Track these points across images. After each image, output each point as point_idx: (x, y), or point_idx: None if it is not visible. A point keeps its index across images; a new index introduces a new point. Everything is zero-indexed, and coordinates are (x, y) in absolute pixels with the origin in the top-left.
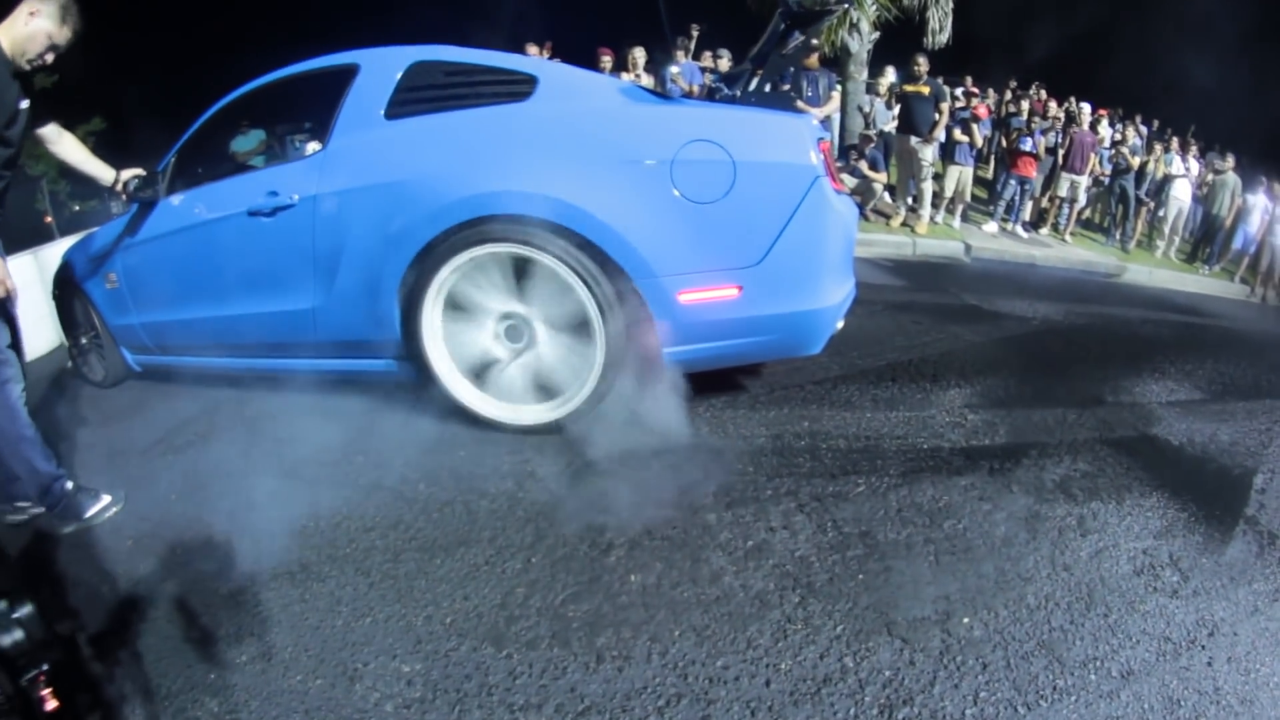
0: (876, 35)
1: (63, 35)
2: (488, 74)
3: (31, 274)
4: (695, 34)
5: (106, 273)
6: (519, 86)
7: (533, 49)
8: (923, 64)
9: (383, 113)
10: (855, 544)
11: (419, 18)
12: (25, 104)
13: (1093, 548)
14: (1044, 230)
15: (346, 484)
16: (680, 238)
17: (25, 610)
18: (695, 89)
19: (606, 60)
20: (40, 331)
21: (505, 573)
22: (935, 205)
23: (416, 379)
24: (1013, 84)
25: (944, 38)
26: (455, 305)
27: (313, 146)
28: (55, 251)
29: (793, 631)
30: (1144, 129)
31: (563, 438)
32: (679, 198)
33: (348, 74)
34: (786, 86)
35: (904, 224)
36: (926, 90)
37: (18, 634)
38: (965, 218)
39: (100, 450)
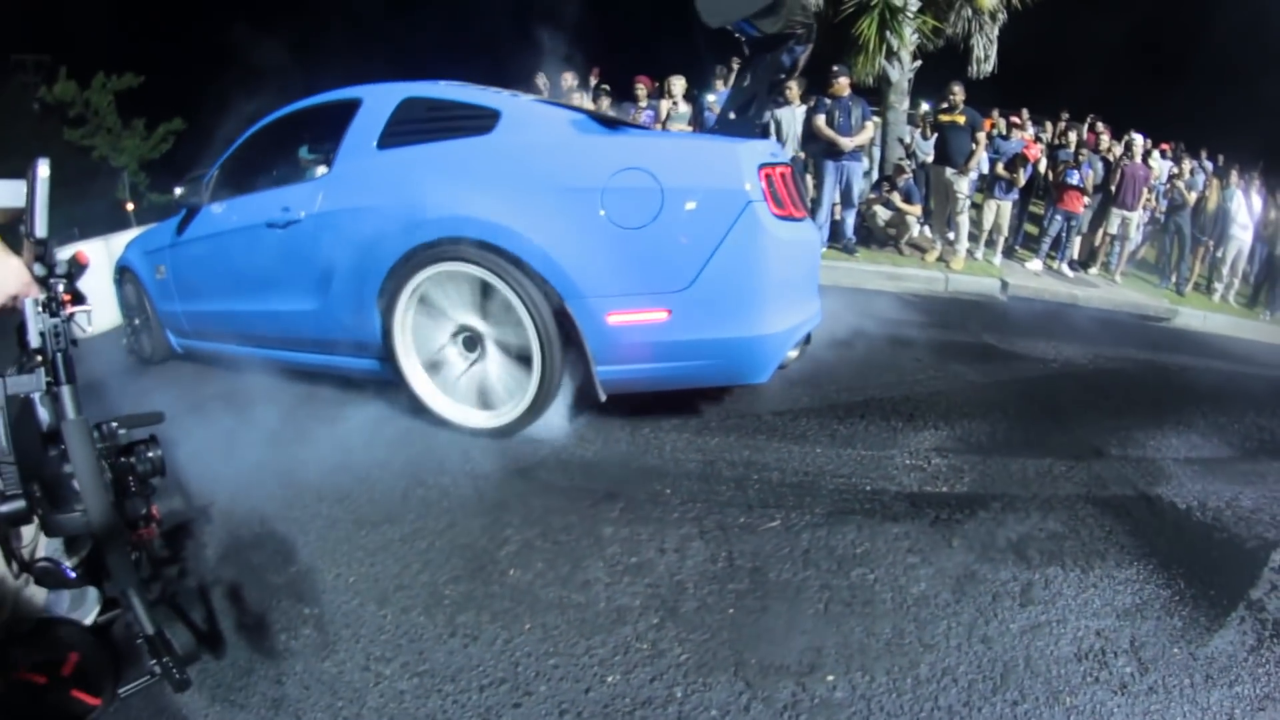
0: (918, 64)
1: None
2: (460, 109)
3: (103, 258)
4: (735, 65)
5: (157, 264)
6: (484, 121)
7: (569, 76)
8: (958, 92)
9: (375, 143)
10: (741, 578)
11: (478, 36)
12: None
13: (1029, 621)
14: (1093, 270)
15: (317, 462)
16: (609, 261)
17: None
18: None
19: (642, 89)
20: (106, 310)
21: (410, 550)
22: (973, 240)
23: (394, 379)
24: (1065, 116)
25: (989, 67)
26: (423, 314)
27: (320, 170)
28: (122, 241)
29: (635, 650)
30: (1208, 164)
31: (507, 443)
32: (609, 223)
33: (353, 106)
34: (752, 113)
35: (940, 259)
36: (962, 119)
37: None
38: (1010, 254)
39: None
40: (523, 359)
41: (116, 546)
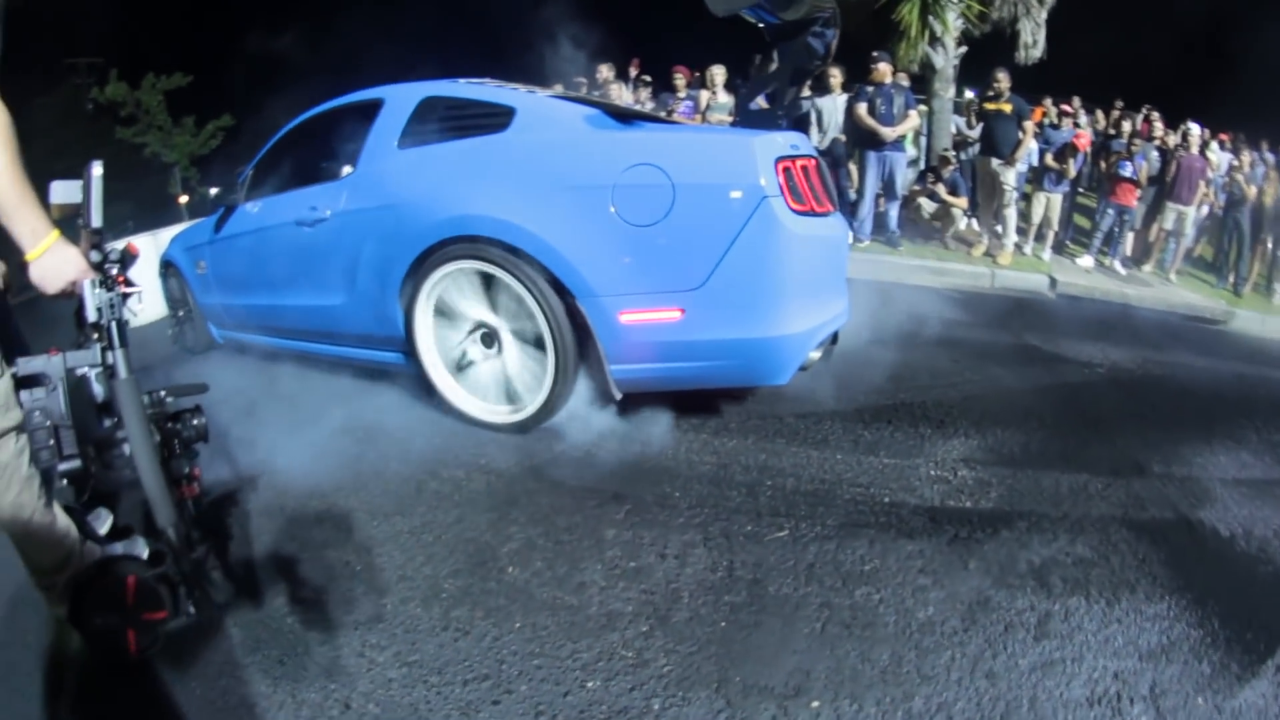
0: (963, 50)
1: None
2: (477, 108)
3: (151, 252)
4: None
5: (198, 259)
6: (499, 119)
7: (606, 68)
8: (1003, 79)
9: (396, 143)
10: (739, 590)
11: (521, 30)
12: None
13: (1041, 657)
14: (1147, 267)
15: (338, 452)
16: (621, 259)
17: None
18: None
19: (680, 79)
20: (152, 302)
21: (417, 543)
22: (1022, 234)
23: (417, 373)
24: (1119, 105)
25: (1037, 53)
26: (442, 310)
27: (346, 169)
28: (168, 235)
29: (620, 657)
30: (1270, 157)
31: (522, 439)
32: (620, 220)
33: (375, 107)
34: (783, 103)
35: (986, 253)
36: (1008, 108)
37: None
38: (1060, 249)
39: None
40: (538, 356)
41: (160, 492)
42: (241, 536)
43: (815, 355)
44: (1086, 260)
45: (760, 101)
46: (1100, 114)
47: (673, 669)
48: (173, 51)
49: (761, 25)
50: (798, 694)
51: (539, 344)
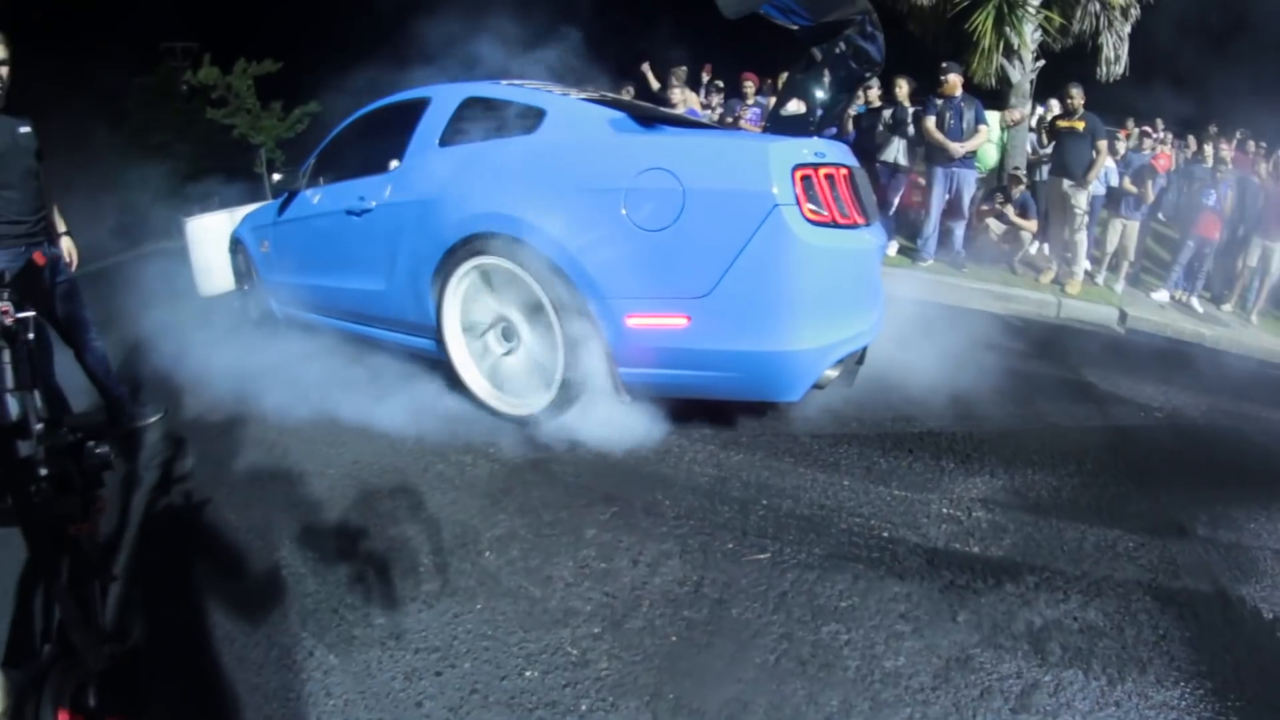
0: (1040, 64)
1: None
2: (512, 109)
3: (226, 229)
4: (877, 68)
5: (262, 239)
6: (530, 120)
7: (678, 73)
8: (1077, 96)
9: (437, 141)
10: (701, 606)
11: (598, 30)
12: (24, 130)
13: None
14: (1227, 306)
15: (364, 430)
16: (630, 263)
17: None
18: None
19: (750, 85)
20: (225, 275)
21: (413, 519)
22: (1095, 262)
23: (445, 359)
24: (1212, 129)
25: (1119, 69)
26: (468, 302)
27: (394, 163)
28: (242, 214)
29: (564, 653)
30: None
31: (532, 432)
32: (630, 224)
33: (423, 105)
34: (832, 109)
35: (1055, 280)
36: (1081, 125)
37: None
38: (1135, 281)
39: (227, 363)
40: (551, 353)
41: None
42: (247, 496)
43: (832, 374)
44: (1162, 294)
45: (793, 106)
46: (1192, 139)
47: (611, 674)
48: (265, 39)
49: (795, 29)
50: None
51: (553, 342)
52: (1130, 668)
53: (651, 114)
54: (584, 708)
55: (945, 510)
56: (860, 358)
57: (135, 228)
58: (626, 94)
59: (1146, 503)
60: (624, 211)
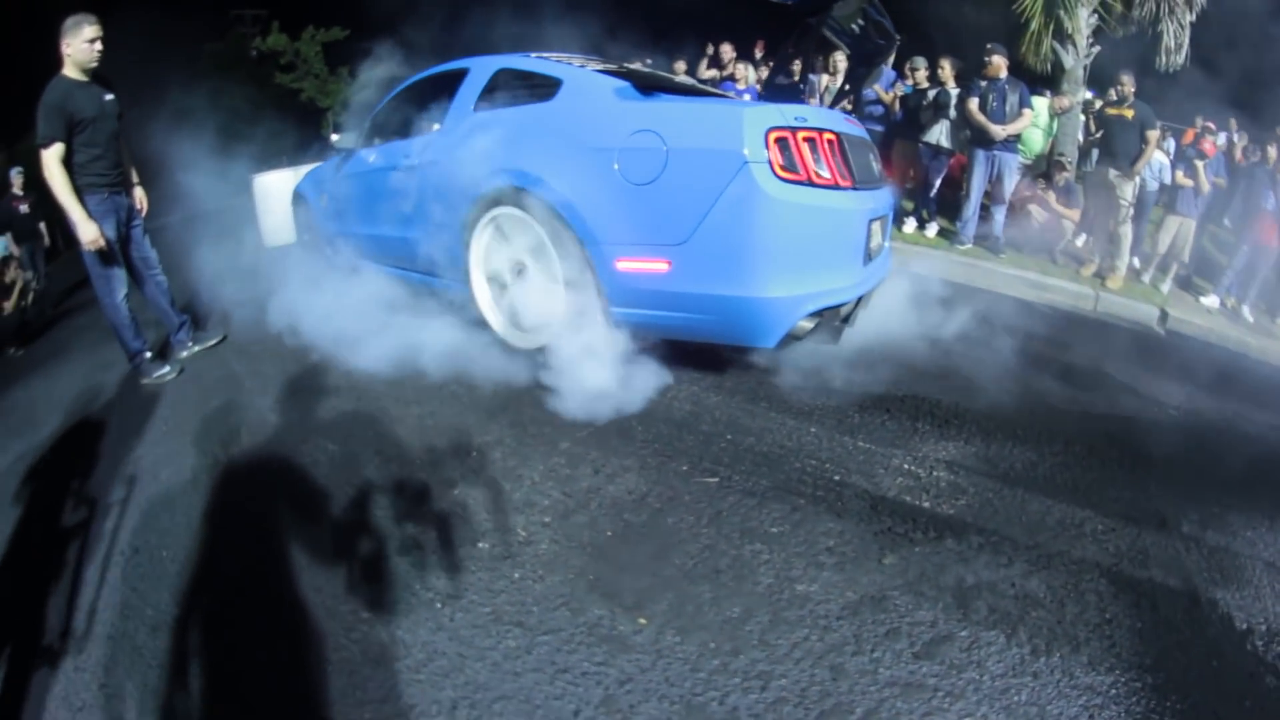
0: (1095, 49)
1: (91, 36)
2: (535, 79)
3: (292, 185)
4: (896, 42)
5: (321, 194)
6: (549, 89)
7: (728, 48)
8: (1127, 83)
9: (472, 107)
10: (642, 513)
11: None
12: (109, 97)
13: (911, 676)
14: None
15: (394, 356)
16: (620, 213)
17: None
18: (888, 95)
19: (796, 65)
20: (288, 229)
21: (419, 425)
22: (1145, 260)
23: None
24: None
25: (1180, 58)
26: (490, 249)
27: (436, 126)
28: (304, 172)
29: (513, 533)
30: None
31: (540, 364)
32: (621, 179)
33: (463, 74)
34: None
35: (1097, 274)
36: (1130, 114)
37: None
38: (1186, 284)
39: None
40: (556, 293)
41: None
42: (277, 399)
43: (807, 325)
44: (1212, 300)
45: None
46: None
47: (547, 553)
48: (334, 6)
49: (789, 1)
50: (635, 608)
51: (558, 283)
52: (1060, 643)
53: (654, 82)
54: (516, 576)
55: (906, 466)
56: (848, 317)
57: (207, 184)
58: (680, 67)
59: (1131, 491)
60: (616, 167)
